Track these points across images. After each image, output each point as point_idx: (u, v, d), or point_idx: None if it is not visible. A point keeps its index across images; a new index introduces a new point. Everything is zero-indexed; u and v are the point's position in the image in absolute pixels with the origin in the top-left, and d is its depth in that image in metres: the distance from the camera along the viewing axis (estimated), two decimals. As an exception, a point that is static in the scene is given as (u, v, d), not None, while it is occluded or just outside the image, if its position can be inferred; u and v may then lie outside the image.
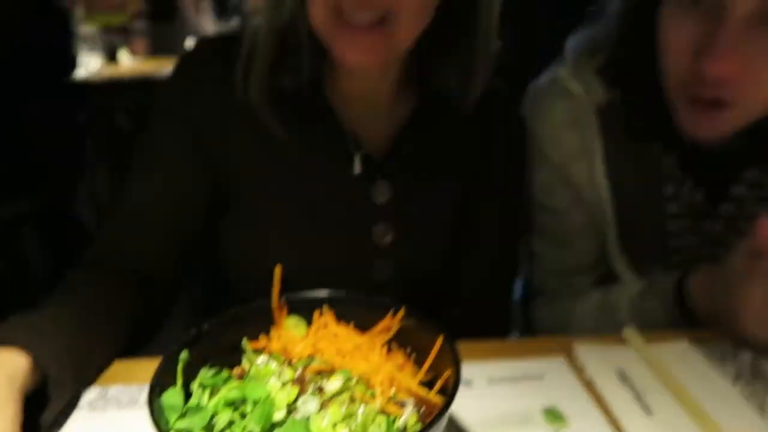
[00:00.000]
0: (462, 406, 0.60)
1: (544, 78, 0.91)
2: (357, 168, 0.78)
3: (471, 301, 0.87)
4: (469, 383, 0.65)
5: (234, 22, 5.61)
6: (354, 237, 0.80)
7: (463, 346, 0.68)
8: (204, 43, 0.81)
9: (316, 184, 0.78)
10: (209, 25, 4.33)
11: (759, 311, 0.67)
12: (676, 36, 0.70)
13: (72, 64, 2.43)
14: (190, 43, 3.52)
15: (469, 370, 0.67)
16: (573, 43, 0.90)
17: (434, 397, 0.48)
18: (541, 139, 0.89)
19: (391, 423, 0.46)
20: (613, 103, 0.84)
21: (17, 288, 2.40)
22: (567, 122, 0.87)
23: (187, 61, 0.79)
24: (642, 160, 0.85)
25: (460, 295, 0.87)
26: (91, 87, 2.75)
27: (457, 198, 0.84)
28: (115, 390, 0.63)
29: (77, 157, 2.53)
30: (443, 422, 0.43)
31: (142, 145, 0.80)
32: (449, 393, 0.45)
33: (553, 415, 0.59)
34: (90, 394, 0.62)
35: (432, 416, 0.43)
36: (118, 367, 0.67)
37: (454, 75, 0.77)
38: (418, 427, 0.46)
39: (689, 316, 0.77)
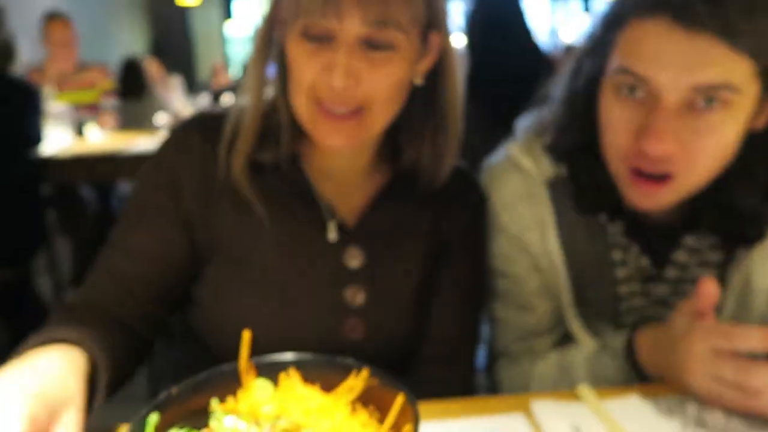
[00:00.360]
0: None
1: (497, 155, 0.98)
2: (332, 236, 0.83)
3: (436, 361, 0.90)
4: (432, 440, 0.67)
5: (203, 99, 5.76)
6: (326, 298, 0.83)
7: (426, 406, 0.71)
8: (194, 118, 0.87)
9: (292, 250, 0.82)
10: (178, 101, 4.44)
11: (700, 367, 0.72)
12: (618, 120, 0.78)
13: (37, 139, 2.47)
14: (159, 118, 3.60)
15: (431, 428, 0.69)
16: (523, 123, 0.98)
17: (396, 451, 0.51)
18: (497, 210, 0.95)
19: (354, 477, 0.48)
20: (561, 178, 0.92)
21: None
22: (520, 195, 0.93)
23: (177, 133, 0.84)
24: (591, 229, 0.92)
25: (426, 356, 0.90)
26: (57, 161, 2.77)
27: (424, 263, 0.89)
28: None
29: (38, 230, 2.52)
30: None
31: (129, 202, 0.84)
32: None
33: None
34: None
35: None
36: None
37: (427, 154, 0.84)
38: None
39: (639, 371, 0.81)
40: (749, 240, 0.87)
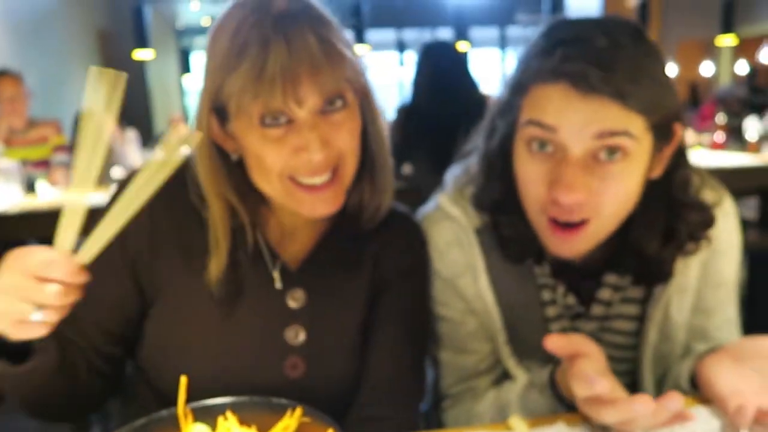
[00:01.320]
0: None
1: (429, 204, 1.04)
2: (278, 284, 0.87)
3: (377, 399, 0.92)
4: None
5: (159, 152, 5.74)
6: (268, 338, 0.86)
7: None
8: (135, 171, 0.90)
9: (236, 296, 0.85)
10: (134, 154, 4.43)
11: (582, 406, 0.77)
12: (531, 173, 0.84)
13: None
14: (114, 172, 3.58)
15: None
16: (452, 173, 1.04)
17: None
18: (433, 255, 1.00)
19: None
20: (488, 225, 0.97)
21: None
22: (451, 242, 0.98)
23: (123, 185, 0.87)
24: (519, 273, 0.97)
25: (366, 393, 0.92)
26: (5, 218, 2.72)
27: (366, 303, 0.92)
28: None
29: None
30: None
31: None
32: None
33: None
34: None
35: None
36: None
37: (368, 194, 0.89)
38: None
39: (564, 402, 0.86)
40: (657, 279, 0.93)
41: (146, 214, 0.83)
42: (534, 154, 0.83)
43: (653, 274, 0.93)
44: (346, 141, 0.79)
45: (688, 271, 0.96)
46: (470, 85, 2.77)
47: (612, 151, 0.78)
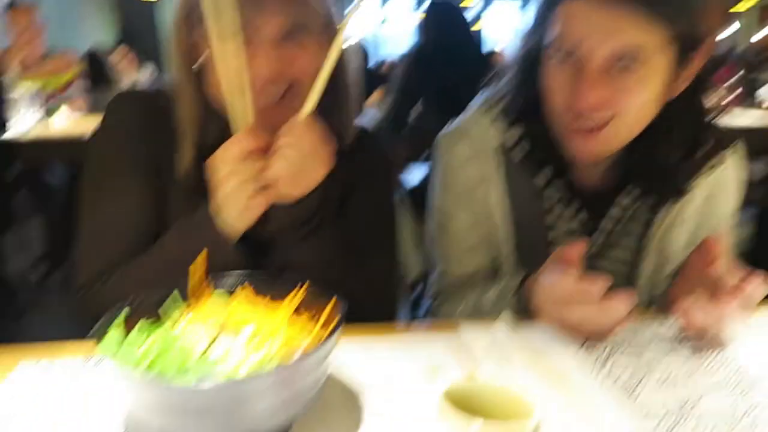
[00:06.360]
0: (362, 366, 0.74)
1: (453, 124, 1.11)
2: None
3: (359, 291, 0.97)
4: (370, 349, 0.78)
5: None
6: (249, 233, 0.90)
7: (369, 326, 0.81)
8: (122, 94, 0.98)
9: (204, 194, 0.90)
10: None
11: (546, 307, 0.83)
12: (556, 81, 0.91)
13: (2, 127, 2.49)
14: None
15: (371, 341, 0.81)
16: (475, 99, 1.12)
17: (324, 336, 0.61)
18: (446, 170, 1.07)
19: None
20: (506, 144, 1.04)
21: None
22: (467, 157, 1.05)
23: (114, 105, 0.96)
24: (533, 188, 1.03)
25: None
26: (26, 143, 2.78)
27: (337, 211, 0.98)
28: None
29: (4, 213, 2.54)
30: (325, 348, 0.57)
31: (91, 180, 0.94)
32: (332, 331, 0.59)
33: (433, 367, 0.73)
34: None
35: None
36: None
37: (336, 121, 0.94)
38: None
39: (527, 310, 0.90)
40: (670, 196, 1.00)
41: (145, 127, 0.92)
42: (560, 64, 0.90)
43: (668, 187, 0.98)
44: (302, 67, 0.84)
45: (691, 202, 1.01)
46: (473, 44, 2.90)
47: (625, 66, 0.84)
